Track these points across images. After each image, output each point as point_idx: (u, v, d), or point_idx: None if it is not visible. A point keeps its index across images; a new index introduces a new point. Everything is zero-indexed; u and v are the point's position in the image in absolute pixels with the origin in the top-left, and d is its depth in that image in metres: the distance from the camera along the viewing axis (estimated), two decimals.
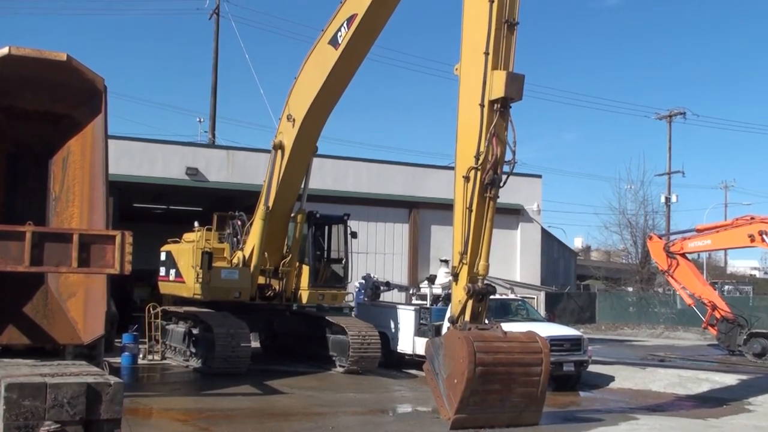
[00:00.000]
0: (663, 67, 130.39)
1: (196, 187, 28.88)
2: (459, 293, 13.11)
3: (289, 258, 21.08)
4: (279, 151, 19.76)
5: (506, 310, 20.07)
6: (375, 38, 17.21)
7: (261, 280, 21.07)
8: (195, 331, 20.12)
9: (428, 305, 21.95)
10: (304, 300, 21.52)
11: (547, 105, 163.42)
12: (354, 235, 22.40)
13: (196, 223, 22.35)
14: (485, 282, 13.16)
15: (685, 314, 37.43)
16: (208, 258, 20.05)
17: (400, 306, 22.84)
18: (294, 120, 19.11)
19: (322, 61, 17.81)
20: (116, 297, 23.70)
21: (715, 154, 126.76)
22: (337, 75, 17.68)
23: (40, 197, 11.91)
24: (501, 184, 13.07)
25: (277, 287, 21.31)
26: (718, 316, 26.47)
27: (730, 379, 19.26)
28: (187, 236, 22.77)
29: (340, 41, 16.99)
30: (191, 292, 20.79)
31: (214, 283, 20.09)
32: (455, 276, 13.22)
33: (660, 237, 29.73)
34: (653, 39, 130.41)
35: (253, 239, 20.41)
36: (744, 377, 19.71)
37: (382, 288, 24.49)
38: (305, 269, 21.50)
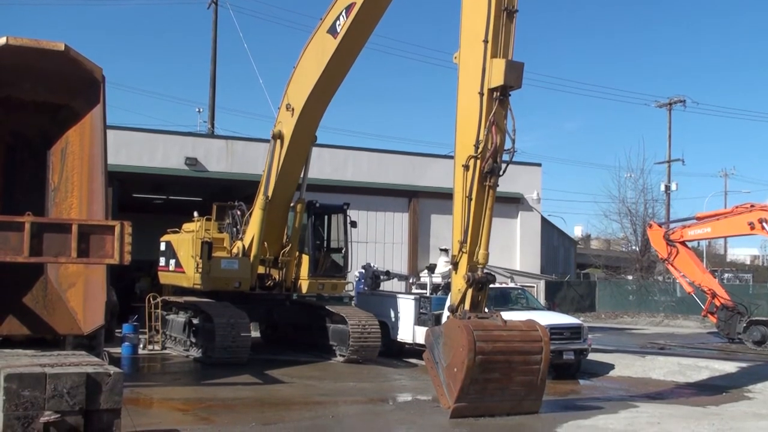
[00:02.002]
0: (663, 55, 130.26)
1: (196, 177, 28.86)
2: (459, 282, 13.11)
3: (288, 248, 21.08)
4: (278, 141, 19.73)
5: (506, 299, 20.09)
6: (373, 27, 17.16)
7: (261, 269, 21.07)
8: (195, 321, 20.14)
9: (428, 294, 21.95)
10: (304, 289, 21.53)
11: (547, 93, 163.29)
12: (354, 224, 22.39)
13: (195, 213, 22.35)
14: (485, 271, 13.15)
15: (684, 302, 37.49)
16: (207, 248, 20.05)
17: (400, 295, 22.85)
18: (293, 109, 19.08)
19: (320, 50, 17.76)
20: (120, 287, 23.79)
21: (714, 141, 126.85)
22: (336, 64, 17.64)
23: (38, 188, 11.90)
24: (500, 172, 13.04)
25: (276, 277, 21.31)
26: (717, 303, 26.51)
27: (729, 367, 19.28)
28: (186, 226, 22.78)
29: (338, 30, 16.94)
30: (191, 282, 20.81)
31: (214, 273, 20.09)
32: (455, 265, 13.22)
33: (660, 225, 29.71)
34: (653, 27, 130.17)
35: (252, 229, 20.40)
36: (744, 365, 19.73)
37: (381, 277, 24.50)
38: (305, 259, 21.50)
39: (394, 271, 26.88)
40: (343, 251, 22.26)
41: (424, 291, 23.14)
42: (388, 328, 21.44)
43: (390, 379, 18.16)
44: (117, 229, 9.21)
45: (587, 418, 13.01)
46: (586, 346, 18.91)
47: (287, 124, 19.41)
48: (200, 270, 20.08)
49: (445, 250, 25.30)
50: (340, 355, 20.22)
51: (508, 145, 13.16)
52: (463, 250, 12.93)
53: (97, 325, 10.67)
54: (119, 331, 21.15)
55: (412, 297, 21.86)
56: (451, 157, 13.80)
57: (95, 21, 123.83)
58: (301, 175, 20.77)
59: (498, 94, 12.80)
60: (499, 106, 12.84)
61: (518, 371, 12.59)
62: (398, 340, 21.53)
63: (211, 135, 36.18)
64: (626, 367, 19.89)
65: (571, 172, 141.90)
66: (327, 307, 20.99)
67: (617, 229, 52.95)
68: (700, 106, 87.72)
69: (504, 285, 22.05)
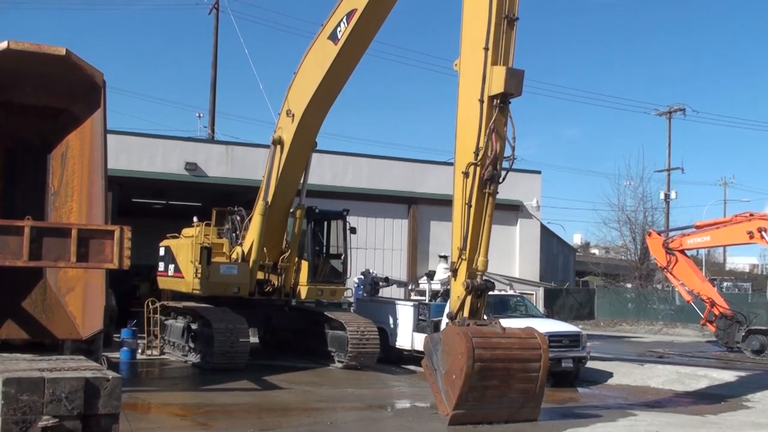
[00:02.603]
0: (663, 63, 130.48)
1: (196, 182, 28.88)
2: (458, 289, 13.10)
3: (288, 253, 21.08)
4: (278, 146, 19.76)
5: (505, 306, 20.09)
6: (374, 33, 17.20)
7: (260, 275, 21.07)
8: (194, 327, 20.13)
9: (427, 301, 21.95)
10: (303, 295, 21.51)
11: (547, 101, 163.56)
12: (353, 230, 22.39)
13: (195, 218, 22.35)
14: (484, 278, 13.14)
15: (683, 311, 37.48)
16: (207, 253, 20.06)
17: (398, 302, 22.84)
18: (293, 115, 19.11)
19: (321, 56, 17.79)
20: (121, 292, 23.77)
21: (714, 150, 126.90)
22: (337, 70, 17.67)
23: (38, 192, 11.89)
24: (500, 179, 13.05)
25: (276, 282, 21.31)
26: (716, 312, 26.53)
27: (728, 376, 19.28)
28: (186, 231, 22.78)
29: (339, 36, 16.97)
30: (190, 287, 20.80)
31: (213, 278, 20.09)
32: (454, 272, 13.21)
33: (659, 233, 29.75)
34: (653, 35, 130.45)
35: (252, 234, 20.41)
36: (742, 374, 19.74)
37: (381, 284, 24.50)
38: (304, 264, 21.49)
39: (393, 277, 26.86)
40: (342, 257, 22.26)
41: (423, 298, 23.15)
42: (386, 335, 21.43)
43: (388, 385, 18.14)
44: (116, 234, 9.20)
45: (585, 426, 12.99)
46: (584, 354, 18.90)
47: (287, 130, 19.43)
48: (199, 275, 20.07)
49: (445, 257, 25.32)
50: (339, 362, 20.19)
51: (507, 152, 13.19)
52: (463, 257, 12.92)
53: (96, 330, 10.64)
54: (118, 335, 21.14)
55: (411, 304, 21.86)
56: (451, 164, 13.81)
57: (96, 26, 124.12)
58: (301, 181, 20.78)
59: (498, 101, 12.81)
60: (499, 113, 12.85)
61: (517, 378, 12.58)
62: (397, 346, 21.52)
63: (211, 140, 36.20)
64: (625, 375, 19.88)
65: (571, 180, 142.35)
66: (326, 313, 20.97)
67: (616, 237, 53.09)
68: (700, 114, 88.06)
69: (503, 292, 22.04)
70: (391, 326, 21.73)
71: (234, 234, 21.61)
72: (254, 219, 20.24)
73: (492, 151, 12.84)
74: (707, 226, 26.93)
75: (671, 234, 28.93)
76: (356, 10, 16.39)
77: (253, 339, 22.90)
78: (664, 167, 55.40)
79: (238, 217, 21.67)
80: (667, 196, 53.75)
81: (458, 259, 13.01)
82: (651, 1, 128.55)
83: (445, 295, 20.10)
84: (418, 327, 20.71)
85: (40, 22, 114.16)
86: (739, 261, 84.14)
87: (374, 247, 30.63)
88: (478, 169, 12.83)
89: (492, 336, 12.60)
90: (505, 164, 13.17)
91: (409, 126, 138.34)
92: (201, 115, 45.38)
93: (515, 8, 12.97)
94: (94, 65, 10.95)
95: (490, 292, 13.85)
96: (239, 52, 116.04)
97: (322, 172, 28.79)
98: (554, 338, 17.30)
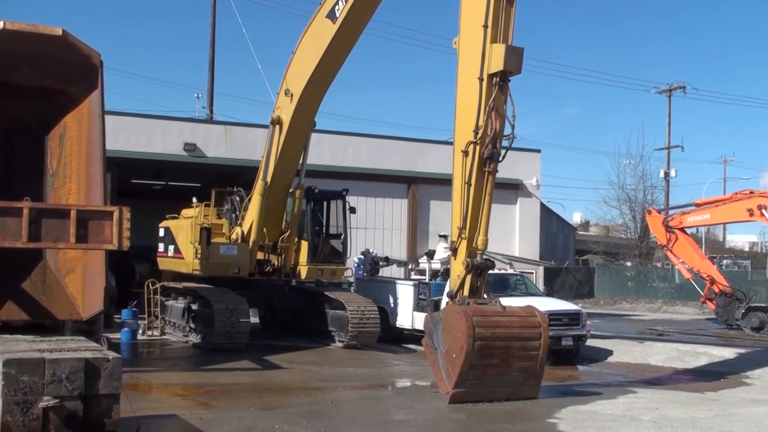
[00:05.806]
0: (663, 41, 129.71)
1: (195, 163, 28.84)
2: (458, 268, 13.11)
3: (287, 233, 21.09)
4: (277, 126, 19.70)
5: (505, 285, 20.12)
6: (373, 11, 17.09)
7: (260, 255, 21.09)
8: (194, 307, 20.16)
9: (427, 280, 21.98)
10: (303, 275, 21.55)
11: (547, 79, 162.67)
12: (353, 210, 22.38)
13: (194, 199, 22.33)
14: (484, 257, 13.15)
15: (683, 288, 37.51)
16: (206, 234, 20.06)
17: (399, 281, 22.87)
18: (292, 95, 19.03)
19: (319, 35, 17.69)
20: (120, 272, 23.79)
21: (714, 128, 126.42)
22: (335, 49, 17.58)
23: (36, 174, 11.85)
24: (500, 158, 13.03)
25: (275, 263, 21.33)
26: (716, 290, 26.55)
27: (728, 353, 19.33)
28: (185, 212, 22.77)
29: (337, 15, 16.87)
30: (190, 267, 20.82)
31: (213, 258, 20.10)
32: (454, 251, 13.22)
33: (659, 211, 29.73)
34: (653, 13, 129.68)
35: (251, 215, 20.40)
36: (742, 351, 19.78)
37: (381, 263, 24.51)
38: (304, 245, 21.51)
39: (393, 257, 26.89)
40: (342, 237, 22.27)
41: (423, 277, 23.18)
42: (387, 314, 21.48)
43: (389, 364, 18.19)
44: (116, 215, 9.19)
45: (586, 403, 13.04)
46: (584, 332, 18.95)
47: (286, 110, 19.37)
48: (199, 256, 20.08)
49: (444, 236, 25.33)
50: (339, 341, 20.24)
51: (507, 130, 13.16)
52: (463, 236, 12.92)
53: (96, 311, 10.65)
54: (118, 316, 21.18)
55: (411, 283, 21.90)
56: (451, 143, 13.78)
57: (93, 6, 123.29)
58: (300, 161, 20.74)
59: (497, 79, 12.76)
60: (499, 91, 12.81)
61: (517, 357, 12.62)
62: (397, 325, 21.57)
63: (210, 120, 36.06)
64: (625, 353, 19.95)
65: (571, 159, 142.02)
66: (326, 292, 21.00)
67: (616, 216, 53.12)
68: (700, 92, 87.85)
69: (503, 271, 22.07)
70: (392, 305, 21.77)
71: (233, 214, 21.60)
72: (253, 199, 20.22)
73: (491, 130, 12.81)
74: (707, 204, 26.91)
75: (671, 212, 28.88)
76: None
77: (254, 319, 22.95)
78: (663, 145, 55.33)
79: (238, 198, 21.65)
80: (666, 174, 53.67)
81: (458, 238, 13.01)
82: None
83: (445, 274, 20.12)
84: (418, 306, 20.75)
85: (36, 1, 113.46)
86: (739, 239, 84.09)
87: (374, 226, 30.65)
88: (478, 147, 12.79)
89: (492, 315, 12.62)
90: (505, 143, 13.16)
91: (408, 105, 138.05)
92: (199, 95, 45.18)
93: None
94: (91, 45, 10.88)
95: (490, 271, 13.87)
96: (237, 31, 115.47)
97: (322, 151, 28.74)
98: (554, 317, 17.33)
